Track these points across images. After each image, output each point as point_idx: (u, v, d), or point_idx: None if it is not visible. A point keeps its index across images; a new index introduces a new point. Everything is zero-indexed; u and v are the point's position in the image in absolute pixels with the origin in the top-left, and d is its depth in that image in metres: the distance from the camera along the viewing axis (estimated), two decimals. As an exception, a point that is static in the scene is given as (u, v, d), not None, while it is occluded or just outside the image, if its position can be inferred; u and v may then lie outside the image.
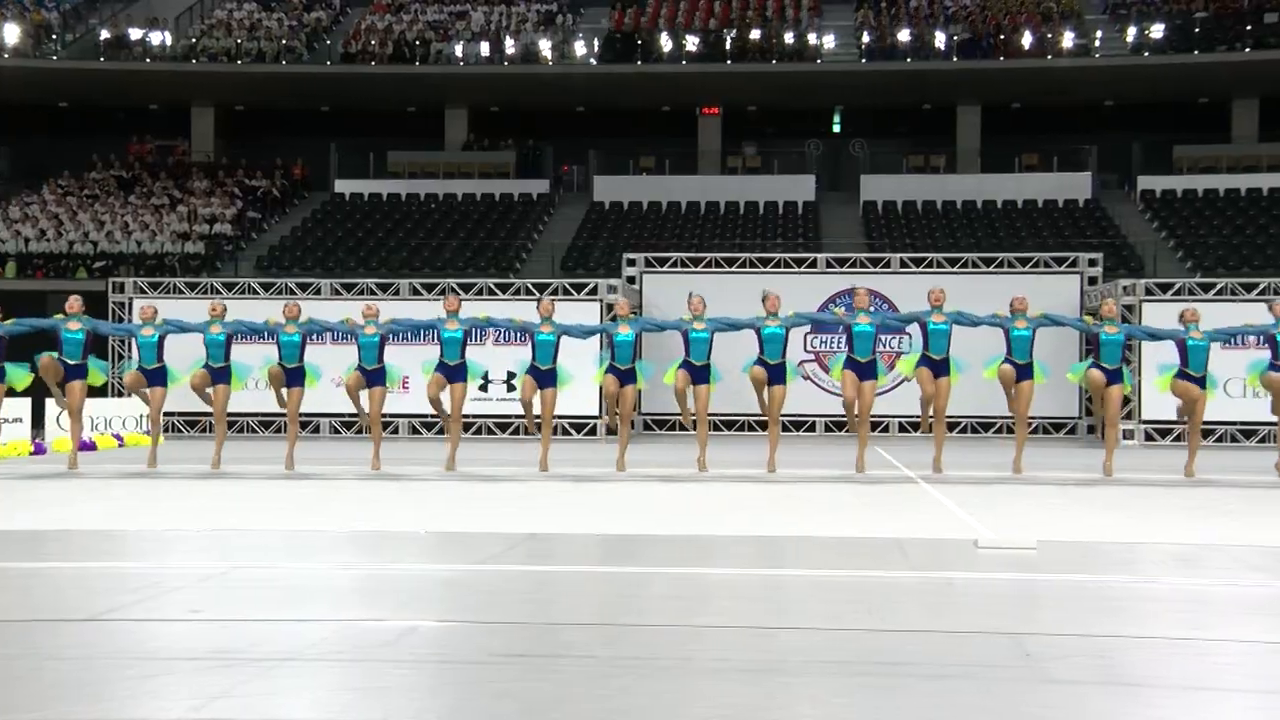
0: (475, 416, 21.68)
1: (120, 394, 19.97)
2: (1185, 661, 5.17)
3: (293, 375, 14.14)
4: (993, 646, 5.39)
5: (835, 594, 6.70)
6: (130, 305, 21.92)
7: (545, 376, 13.93)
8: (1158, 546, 8.52)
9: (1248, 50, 31.56)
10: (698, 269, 23.12)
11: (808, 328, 20.29)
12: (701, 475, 13.48)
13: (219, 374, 14.11)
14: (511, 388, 19.85)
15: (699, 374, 13.74)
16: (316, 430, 21.61)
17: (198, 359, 14.29)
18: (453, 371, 13.99)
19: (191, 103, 35.58)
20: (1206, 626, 5.87)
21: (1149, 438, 20.88)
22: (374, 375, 14.03)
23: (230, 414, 15.40)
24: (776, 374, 13.67)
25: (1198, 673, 5.00)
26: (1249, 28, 31.97)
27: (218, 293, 21.90)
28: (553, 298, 21.64)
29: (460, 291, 22.00)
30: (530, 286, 22.25)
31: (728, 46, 33.39)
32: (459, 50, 34.02)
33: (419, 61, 34.06)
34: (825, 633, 5.72)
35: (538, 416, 14.12)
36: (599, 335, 14.59)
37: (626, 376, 13.84)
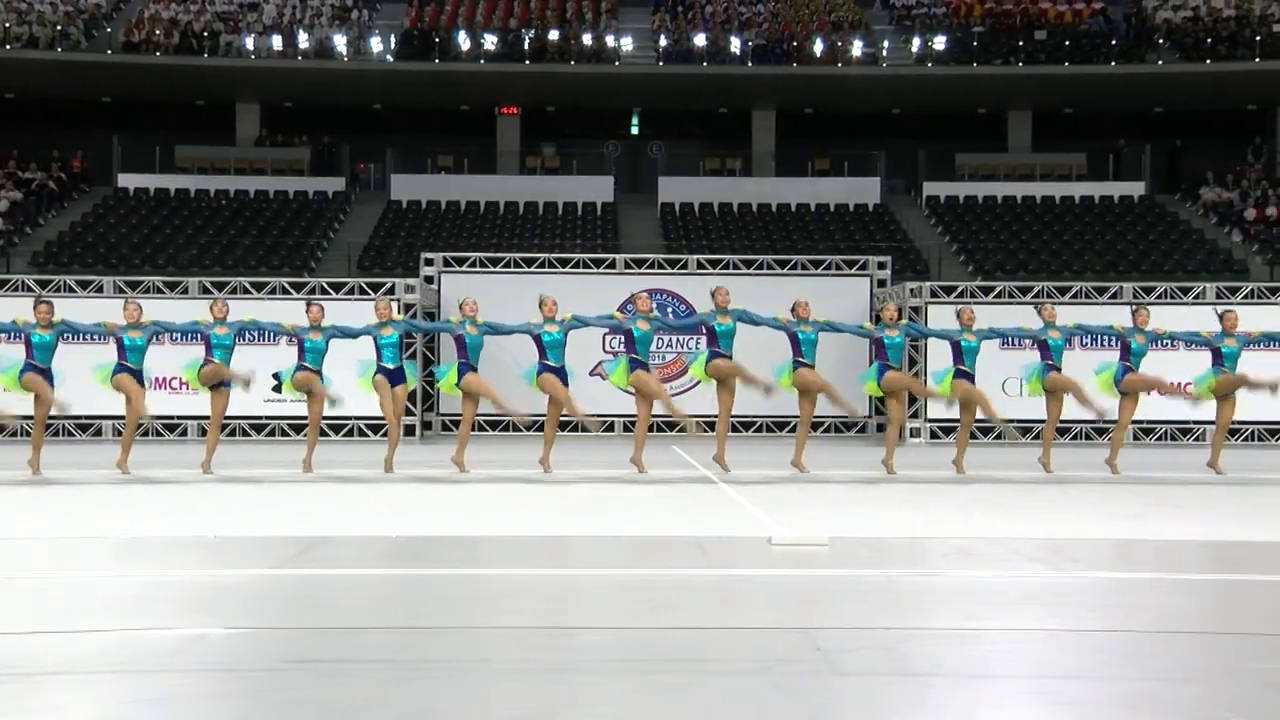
0: (269, 418, 21.20)
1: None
2: (966, 650, 5.37)
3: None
4: (785, 641, 5.50)
5: (631, 593, 6.75)
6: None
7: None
8: (941, 540, 8.83)
9: (1020, 64, 33.09)
10: (496, 269, 23.02)
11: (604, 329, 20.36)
12: (495, 475, 13.44)
13: None
14: (278, 389, 19.43)
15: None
16: (269, 433, 20.74)
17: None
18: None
19: (-45, 89, 33.80)
20: (985, 616, 6.11)
21: (934, 435, 21.67)
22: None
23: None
24: (560, 376, 13.74)
25: (978, 661, 5.20)
26: (1021, 43, 33.54)
27: (-10, 290, 20.86)
28: (350, 297, 21.27)
29: (217, 291, 21.45)
30: (325, 285, 21.81)
31: (526, 46, 33.36)
32: (250, 43, 33.11)
33: (207, 53, 33.02)
34: (622, 631, 5.75)
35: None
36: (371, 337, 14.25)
37: (395, 377, 13.82)
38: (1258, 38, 33.00)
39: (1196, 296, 22.09)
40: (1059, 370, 14.05)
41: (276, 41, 33.12)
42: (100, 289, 21.42)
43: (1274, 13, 34.25)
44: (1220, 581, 7.35)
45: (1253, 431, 21.41)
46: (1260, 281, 25.19)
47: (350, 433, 21.28)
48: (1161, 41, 33.72)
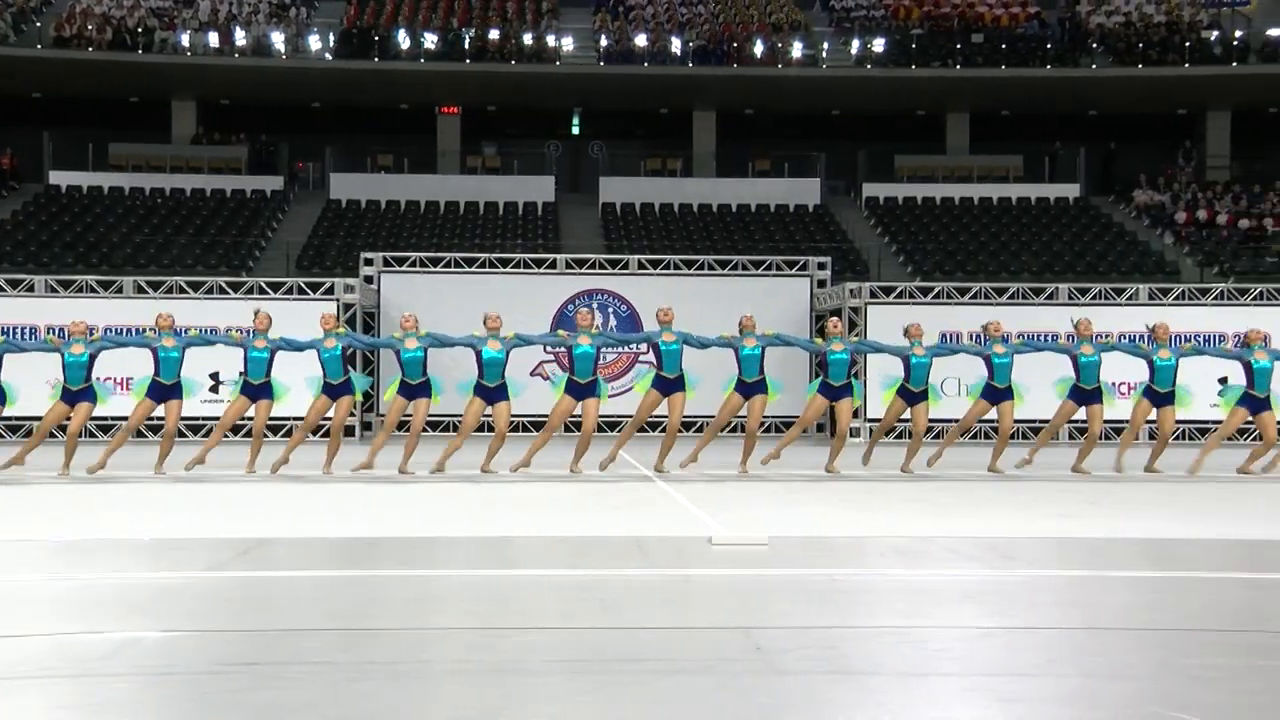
0: (207, 419, 20.96)
1: None
2: (905, 649, 5.42)
3: None
4: (726, 641, 5.52)
5: (573, 593, 6.75)
6: None
7: (258, 390, 13.75)
8: (881, 540, 8.90)
9: (958, 67, 33.41)
10: (437, 269, 22.90)
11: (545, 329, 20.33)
12: (434, 476, 13.40)
13: None
14: (216, 390, 19.24)
15: (417, 391, 13.70)
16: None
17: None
18: (168, 390, 13.65)
19: (-123, 83, 33.09)
20: (924, 615, 6.17)
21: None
22: (83, 394, 13.49)
23: None
24: (499, 394, 13.69)
25: (916, 659, 5.25)
26: (959, 46, 33.87)
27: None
28: (288, 297, 21.09)
29: (189, 289, 21.22)
30: (264, 285, 21.60)
31: (466, 46, 33.23)
32: (185, 40, 32.69)
33: (142, 50, 32.56)
34: (563, 632, 5.75)
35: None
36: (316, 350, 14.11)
37: (339, 390, 13.76)
38: (1187, 44, 33.56)
39: (1130, 298, 22.42)
40: (1005, 390, 14.25)
41: (213, 38, 32.74)
42: (31, 288, 21.09)
43: (1202, 19, 34.85)
44: (1153, 579, 7.46)
45: (1184, 431, 21.75)
46: (1191, 283, 25.60)
47: (289, 434, 21.08)
48: (1095, 46, 34.19)
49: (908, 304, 21.85)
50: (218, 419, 20.70)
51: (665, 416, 14.52)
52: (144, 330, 15.53)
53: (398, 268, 22.91)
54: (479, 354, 13.66)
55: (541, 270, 23.07)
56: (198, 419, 20.80)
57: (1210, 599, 6.81)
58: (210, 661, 5.12)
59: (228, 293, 21.24)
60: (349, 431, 20.69)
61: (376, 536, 9.03)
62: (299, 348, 13.97)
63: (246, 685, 4.73)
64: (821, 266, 23.56)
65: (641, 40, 33.58)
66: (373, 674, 4.88)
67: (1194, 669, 5.04)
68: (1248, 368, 14.55)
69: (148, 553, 8.20)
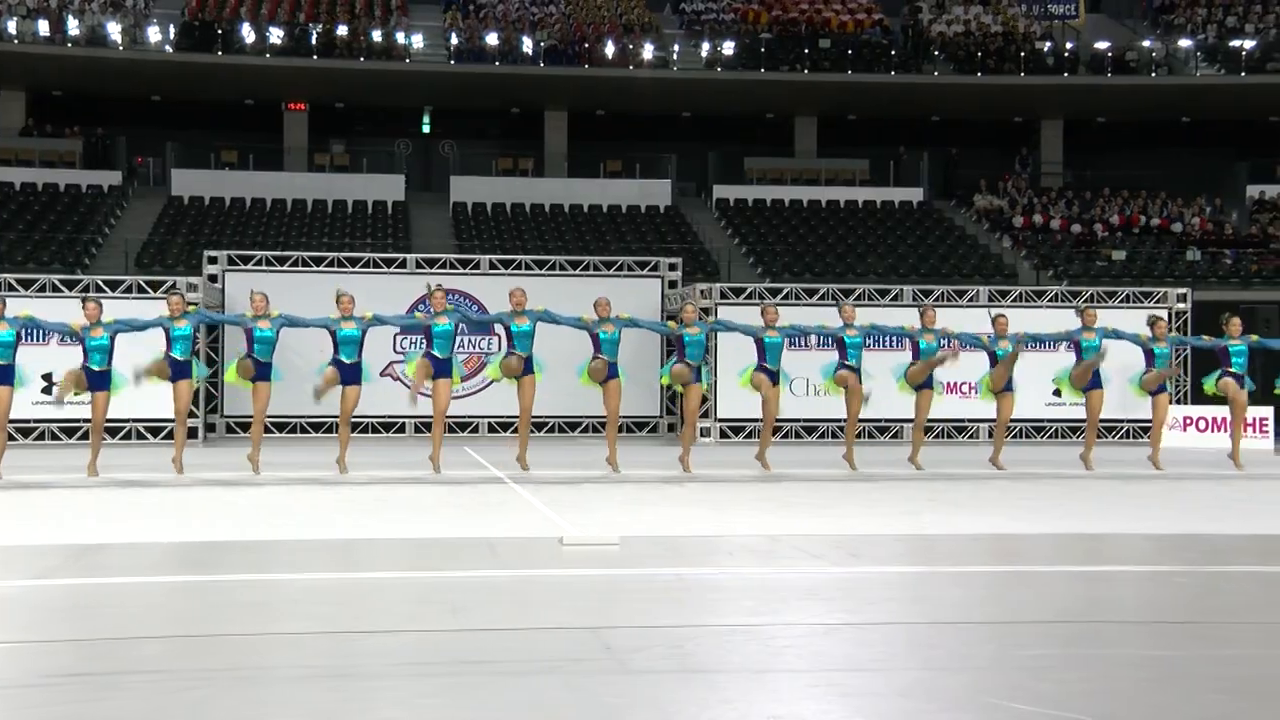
0: (39, 421, 20.25)
1: None
2: (752, 646, 5.48)
3: None
4: (575, 641, 5.52)
5: (420, 595, 6.68)
6: None
7: (97, 379, 13.17)
8: (731, 539, 8.99)
9: (806, 72, 33.98)
10: (284, 268, 22.47)
11: (397, 328, 20.02)
12: (284, 477, 13.14)
13: None
14: (49, 390, 18.55)
15: (261, 371, 13.44)
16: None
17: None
18: None
19: None
20: (771, 613, 6.24)
21: (724, 435, 22.05)
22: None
23: None
24: (353, 374, 13.49)
25: (763, 656, 5.31)
26: (807, 51, 34.45)
27: None
28: (127, 295, 20.48)
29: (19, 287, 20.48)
30: (101, 284, 20.92)
31: (314, 41, 32.65)
32: (12, 27, 31.44)
33: (-37, 36, 31.27)
34: (409, 634, 5.68)
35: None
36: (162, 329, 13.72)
37: (180, 370, 13.40)
38: (1022, 54, 34.67)
39: (971, 299, 23.05)
40: (854, 370, 14.48)
41: (43, 26, 31.56)
42: None
43: (1035, 30, 36.04)
44: (991, 573, 7.68)
45: (1021, 429, 22.45)
46: (1028, 285, 26.46)
47: (128, 435, 20.47)
48: (937, 54, 35.10)
49: (757, 304, 22.08)
50: (51, 422, 20.10)
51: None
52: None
53: (243, 266, 22.42)
54: (334, 333, 13.44)
55: (392, 270, 22.80)
56: (29, 421, 20.06)
57: (1044, 591, 7.04)
58: (39, 673, 4.94)
59: (61, 291, 20.53)
60: (192, 434, 20.15)
61: (217, 540, 8.80)
62: (141, 327, 13.48)
63: (79, 696, 4.57)
64: (672, 267, 23.75)
65: (493, 39, 33.42)
66: (212, 681, 4.76)
67: (1027, 659, 5.19)
68: (1076, 346, 15.13)
69: (-26, 561, 7.87)
